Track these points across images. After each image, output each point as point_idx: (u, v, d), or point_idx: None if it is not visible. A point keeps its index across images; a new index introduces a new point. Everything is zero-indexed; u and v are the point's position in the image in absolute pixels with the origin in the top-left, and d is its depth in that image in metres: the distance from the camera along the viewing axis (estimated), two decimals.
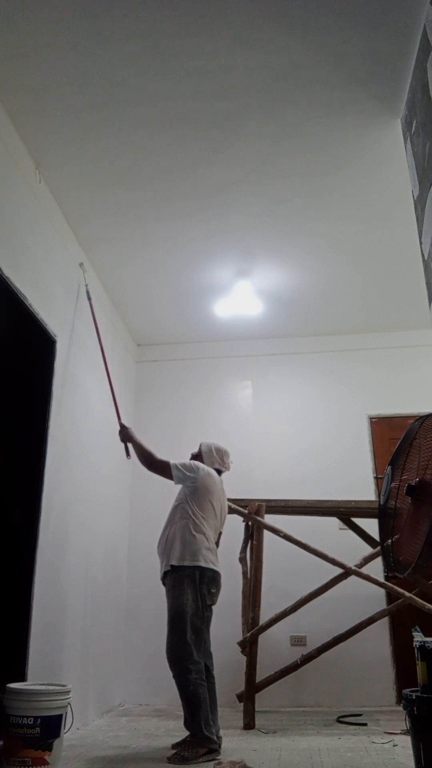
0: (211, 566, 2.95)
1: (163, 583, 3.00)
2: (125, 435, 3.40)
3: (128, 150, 3.17)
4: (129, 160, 3.25)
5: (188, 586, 2.87)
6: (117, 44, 2.58)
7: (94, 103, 2.87)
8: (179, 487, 3.17)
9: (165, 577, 2.97)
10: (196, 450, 3.36)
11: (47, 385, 3.29)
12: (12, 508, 3.05)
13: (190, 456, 3.31)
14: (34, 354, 3.30)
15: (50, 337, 3.33)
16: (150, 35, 2.53)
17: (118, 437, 3.42)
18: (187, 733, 2.81)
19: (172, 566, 2.90)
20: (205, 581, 2.91)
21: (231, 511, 3.89)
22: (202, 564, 2.90)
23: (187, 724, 2.78)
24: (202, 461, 3.23)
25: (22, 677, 2.76)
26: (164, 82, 2.76)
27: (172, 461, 3.10)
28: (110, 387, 3.71)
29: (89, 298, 3.81)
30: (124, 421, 3.53)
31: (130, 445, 3.37)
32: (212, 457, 3.29)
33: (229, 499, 3.92)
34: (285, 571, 4.29)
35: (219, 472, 3.27)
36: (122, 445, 3.43)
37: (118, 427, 3.44)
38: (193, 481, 3.07)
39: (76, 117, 2.95)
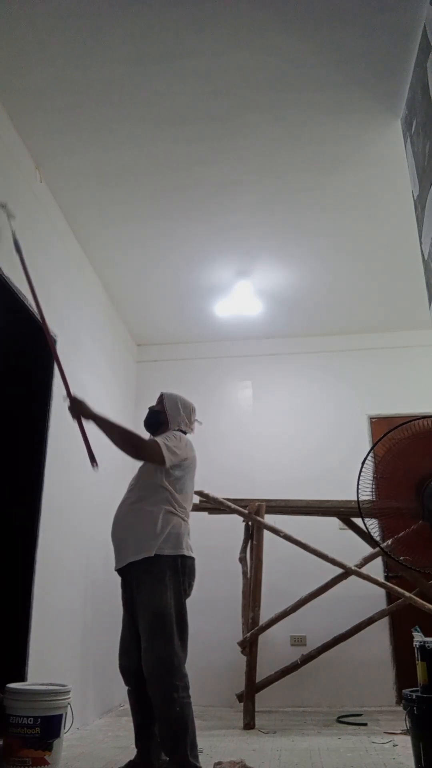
0: (192, 554, 2.45)
1: (122, 575, 2.47)
2: (81, 410, 2.52)
3: (128, 149, 3.17)
4: (129, 160, 3.25)
5: (170, 580, 2.33)
6: (117, 44, 2.58)
7: (94, 102, 2.87)
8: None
9: (131, 567, 2.39)
10: (154, 404, 2.76)
11: (47, 385, 3.29)
12: (12, 508, 3.04)
13: (147, 411, 2.75)
14: (34, 354, 3.30)
15: (50, 337, 3.32)
16: (150, 35, 2.53)
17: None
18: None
19: (149, 556, 2.34)
20: (187, 573, 2.41)
21: (231, 511, 3.90)
22: (185, 552, 2.40)
23: (169, 749, 2.22)
24: (165, 418, 2.67)
25: (22, 677, 2.76)
26: (164, 81, 2.76)
27: (161, 442, 2.48)
28: (41, 320, 2.82)
29: (18, 249, 2.82)
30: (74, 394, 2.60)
31: (88, 427, 2.55)
32: (178, 414, 2.67)
33: (228, 499, 3.94)
34: (285, 571, 4.29)
35: (183, 433, 2.67)
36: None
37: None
38: (184, 462, 2.52)
39: (76, 116, 2.95)
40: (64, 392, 2.63)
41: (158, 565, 2.34)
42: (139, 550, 2.36)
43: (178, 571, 2.36)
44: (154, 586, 2.32)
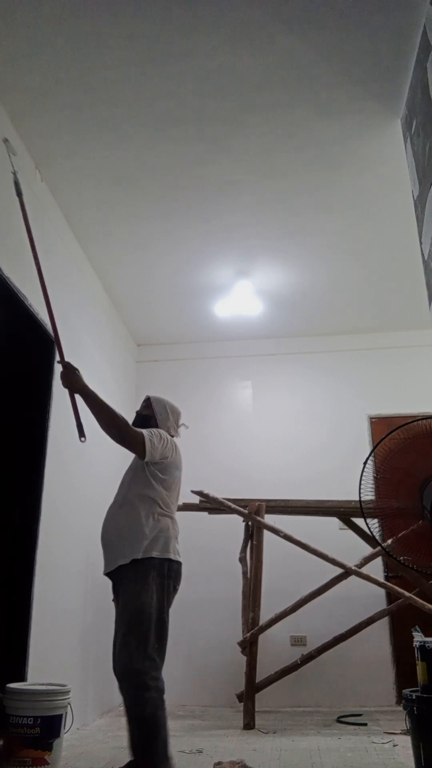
0: (178, 558, 2.40)
1: (111, 578, 2.42)
2: (72, 380, 2.44)
3: (128, 149, 3.17)
4: (129, 160, 3.25)
5: (154, 580, 2.27)
6: (117, 44, 2.57)
7: (94, 102, 2.87)
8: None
9: (118, 571, 2.35)
10: (141, 407, 2.73)
11: (47, 385, 3.29)
12: (12, 508, 3.04)
13: (134, 416, 2.69)
14: (34, 354, 3.30)
15: (50, 337, 3.32)
16: (150, 35, 2.53)
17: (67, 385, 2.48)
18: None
19: (137, 558, 2.30)
20: (173, 576, 2.35)
21: (231, 511, 3.90)
22: (172, 556, 2.35)
23: (139, 753, 2.11)
24: (155, 422, 2.63)
25: (22, 677, 2.76)
26: (164, 81, 2.76)
27: (146, 435, 2.43)
28: (44, 294, 2.70)
29: (19, 194, 2.74)
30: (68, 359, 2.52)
31: (79, 401, 2.46)
32: (167, 419, 2.65)
33: (228, 499, 3.93)
34: (285, 571, 4.28)
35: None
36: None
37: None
38: (167, 460, 2.48)
39: (76, 117, 2.96)
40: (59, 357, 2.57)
41: (144, 567, 2.29)
42: (128, 553, 2.31)
43: (164, 574, 2.31)
44: (137, 586, 2.26)
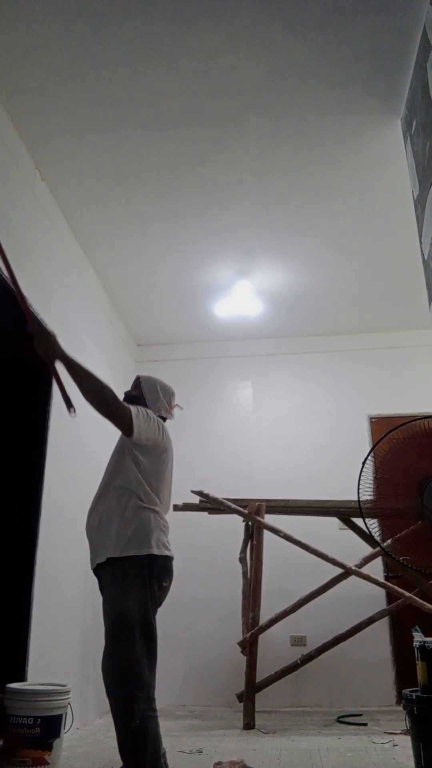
0: (165, 552, 2.17)
1: (96, 575, 2.26)
2: (48, 347, 2.15)
3: (128, 149, 3.17)
4: (129, 160, 3.25)
5: (135, 581, 2.10)
6: (117, 44, 2.58)
7: (94, 102, 2.87)
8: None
9: (99, 569, 2.20)
10: (130, 388, 2.53)
11: (47, 384, 3.29)
12: (12, 508, 3.04)
13: (123, 396, 2.41)
14: (34, 353, 3.29)
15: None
16: (150, 35, 2.53)
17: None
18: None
19: (113, 557, 2.13)
20: (156, 573, 2.14)
21: (231, 511, 3.90)
22: (155, 551, 2.13)
23: (127, 759, 2.00)
24: (143, 402, 2.41)
25: (22, 677, 2.76)
26: (164, 81, 2.76)
27: (132, 409, 2.19)
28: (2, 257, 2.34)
29: None
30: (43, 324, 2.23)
31: (60, 368, 2.17)
32: (158, 399, 2.44)
33: (228, 499, 3.94)
34: (285, 571, 4.29)
35: (163, 419, 2.41)
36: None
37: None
38: (152, 442, 2.26)
39: (76, 117, 2.96)
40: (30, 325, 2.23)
41: (122, 566, 2.11)
42: (103, 551, 2.15)
43: (146, 572, 2.11)
44: (116, 588, 2.11)
